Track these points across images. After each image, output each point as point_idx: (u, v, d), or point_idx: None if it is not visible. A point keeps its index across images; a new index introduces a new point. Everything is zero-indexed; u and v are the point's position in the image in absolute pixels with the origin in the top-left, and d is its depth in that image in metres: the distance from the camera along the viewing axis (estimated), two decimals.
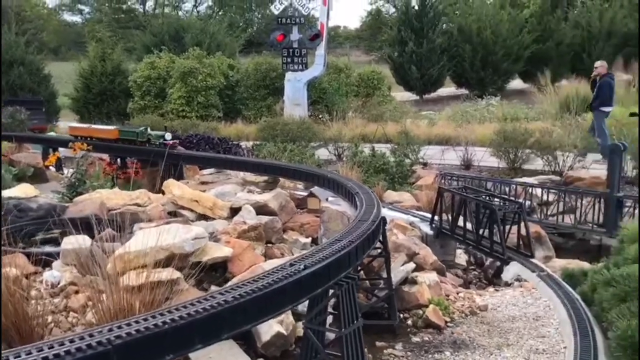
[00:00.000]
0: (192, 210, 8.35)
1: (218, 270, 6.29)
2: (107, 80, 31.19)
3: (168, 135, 11.29)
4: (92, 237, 6.00)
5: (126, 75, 30.67)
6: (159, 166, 11.36)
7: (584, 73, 25.43)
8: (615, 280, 4.81)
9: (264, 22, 61.79)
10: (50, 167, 12.98)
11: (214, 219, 8.15)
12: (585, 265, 7.36)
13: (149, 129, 11.64)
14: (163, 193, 9.25)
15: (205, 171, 11.50)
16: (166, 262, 5.38)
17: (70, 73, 34.10)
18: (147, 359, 2.80)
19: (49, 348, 2.62)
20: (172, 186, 8.85)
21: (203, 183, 10.90)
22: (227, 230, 7.24)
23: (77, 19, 70.86)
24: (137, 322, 2.91)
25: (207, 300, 3.14)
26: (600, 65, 14.50)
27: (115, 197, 8.11)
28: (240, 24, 54.46)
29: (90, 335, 2.76)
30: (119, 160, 12.24)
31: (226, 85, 26.45)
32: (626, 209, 9.73)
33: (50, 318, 4.96)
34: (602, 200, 9.79)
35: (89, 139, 12.05)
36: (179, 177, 11.17)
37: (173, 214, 8.33)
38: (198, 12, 62.35)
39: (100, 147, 12.22)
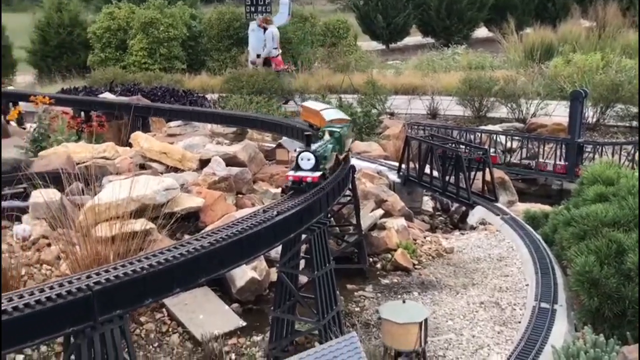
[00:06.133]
0: (161, 163, 8.33)
1: (190, 221, 6.35)
2: (64, 32, 30.08)
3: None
4: (60, 190, 5.97)
5: (84, 26, 29.56)
6: (124, 119, 11.18)
7: (548, 21, 25.52)
8: (574, 220, 5.02)
9: None
10: (12, 122, 12.62)
11: (183, 170, 8.16)
12: (547, 208, 7.63)
13: None
14: (130, 146, 9.18)
15: (172, 123, 11.39)
16: (138, 214, 5.41)
17: (26, 25, 32.65)
18: (127, 303, 2.87)
19: (29, 295, 2.66)
20: (140, 139, 8.79)
21: (170, 135, 10.82)
22: (197, 181, 7.28)
23: None
24: (115, 268, 2.97)
25: (183, 246, 3.21)
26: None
27: (81, 151, 8.02)
28: None
29: (70, 282, 2.80)
30: (82, 113, 11.97)
31: (189, 36, 25.84)
32: (586, 154, 10.03)
33: (23, 271, 4.97)
34: (563, 146, 10.05)
35: None
36: (146, 129, 11.05)
37: (142, 167, 8.30)
38: None
39: None
